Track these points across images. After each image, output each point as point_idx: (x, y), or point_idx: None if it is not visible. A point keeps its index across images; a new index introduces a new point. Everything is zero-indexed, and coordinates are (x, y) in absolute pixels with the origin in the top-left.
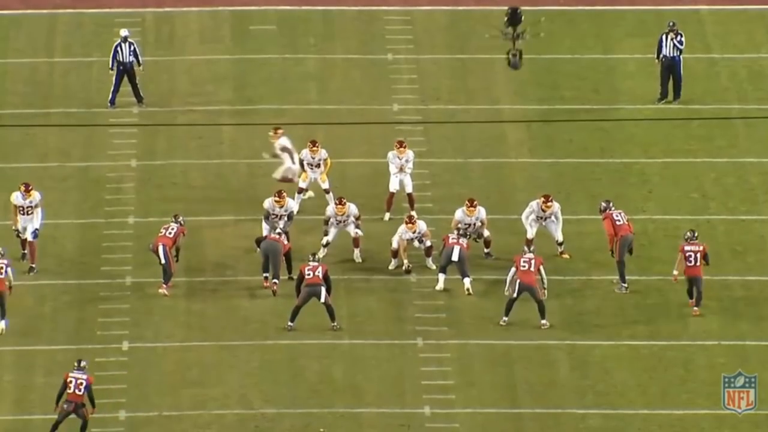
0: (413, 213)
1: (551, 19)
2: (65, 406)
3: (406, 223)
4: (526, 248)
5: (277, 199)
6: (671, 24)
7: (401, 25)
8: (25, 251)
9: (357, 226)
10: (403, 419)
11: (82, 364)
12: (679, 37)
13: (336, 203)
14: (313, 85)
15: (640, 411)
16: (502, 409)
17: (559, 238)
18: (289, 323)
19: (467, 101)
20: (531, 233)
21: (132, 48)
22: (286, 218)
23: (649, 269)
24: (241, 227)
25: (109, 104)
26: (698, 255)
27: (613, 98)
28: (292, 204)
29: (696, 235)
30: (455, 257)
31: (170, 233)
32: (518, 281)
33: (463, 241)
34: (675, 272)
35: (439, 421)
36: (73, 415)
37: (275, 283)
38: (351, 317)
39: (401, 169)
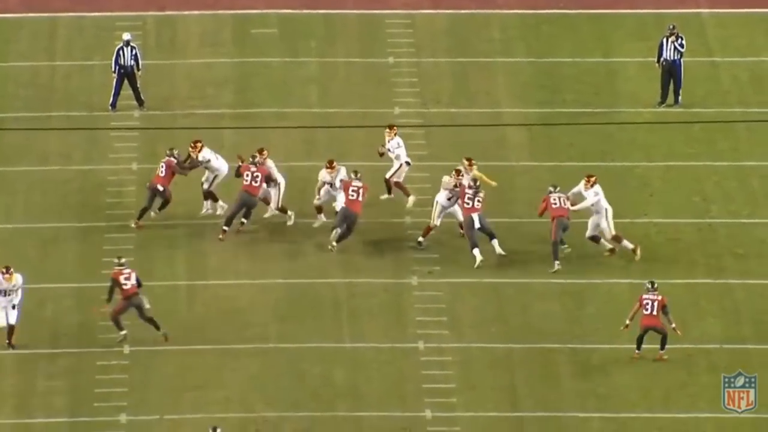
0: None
1: (552, 22)
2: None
3: (327, 167)
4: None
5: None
6: (672, 27)
7: (402, 29)
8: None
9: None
10: (404, 422)
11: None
12: (680, 41)
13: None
14: (314, 88)
15: (642, 414)
16: (503, 413)
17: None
18: None
19: (468, 104)
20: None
21: (133, 52)
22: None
23: (650, 273)
24: (244, 233)
25: (110, 108)
26: (656, 305)
27: (614, 102)
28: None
29: (656, 286)
30: (478, 224)
31: (162, 173)
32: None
33: (478, 204)
34: (627, 321)
35: (440, 425)
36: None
37: (242, 223)
38: (352, 320)
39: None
